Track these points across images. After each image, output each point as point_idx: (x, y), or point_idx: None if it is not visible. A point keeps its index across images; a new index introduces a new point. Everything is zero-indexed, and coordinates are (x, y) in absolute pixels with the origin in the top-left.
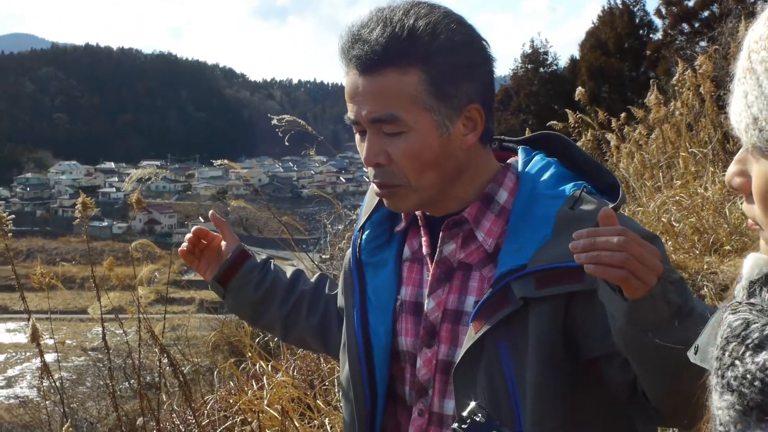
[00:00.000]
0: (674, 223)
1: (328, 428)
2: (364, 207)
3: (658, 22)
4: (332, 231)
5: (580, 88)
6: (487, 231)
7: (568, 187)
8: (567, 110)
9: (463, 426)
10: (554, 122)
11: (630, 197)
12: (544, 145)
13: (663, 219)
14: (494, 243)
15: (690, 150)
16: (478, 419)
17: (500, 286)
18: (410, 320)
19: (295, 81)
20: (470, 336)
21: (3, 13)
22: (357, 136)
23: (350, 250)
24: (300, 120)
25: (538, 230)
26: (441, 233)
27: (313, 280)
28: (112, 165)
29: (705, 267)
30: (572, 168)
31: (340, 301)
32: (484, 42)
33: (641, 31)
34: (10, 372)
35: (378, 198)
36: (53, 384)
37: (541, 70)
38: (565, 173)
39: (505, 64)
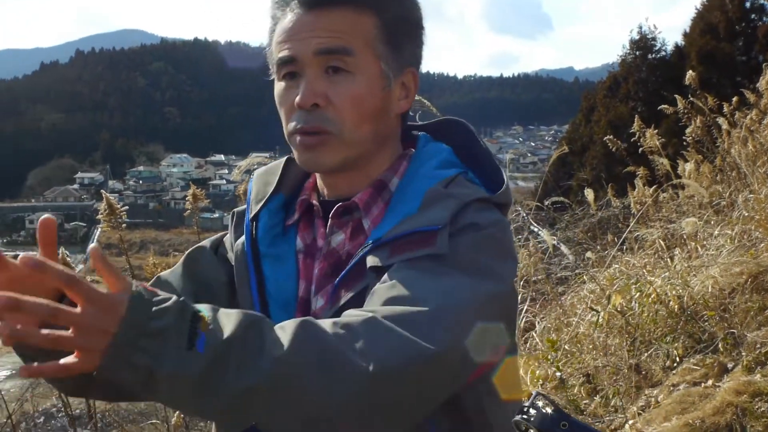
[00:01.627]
0: None
1: None
2: (252, 195)
3: None
4: None
5: (690, 72)
6: (373, 219)
7: (449, 172)
8: (676, 96)
9: (524, 417)
10: (664, 107)
11: (741, 184)
12: (448, 135)
13: None
14: None
15: None
16: (542, 408)
17: (355, 261)
18: None
19: None
20: None
21: (113, 9)
22: (281, 84)
23: (242, 239)
24: (425, 101)
25: (407, 206)
26: (329, 221)
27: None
28: (221, 157)
29: None
30: (466, 160)
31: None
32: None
33: (753, 15)
34: None
35: (271, 185)
36: None
37: (650, 56)
38: (453, 161)
39: (612, 50)
